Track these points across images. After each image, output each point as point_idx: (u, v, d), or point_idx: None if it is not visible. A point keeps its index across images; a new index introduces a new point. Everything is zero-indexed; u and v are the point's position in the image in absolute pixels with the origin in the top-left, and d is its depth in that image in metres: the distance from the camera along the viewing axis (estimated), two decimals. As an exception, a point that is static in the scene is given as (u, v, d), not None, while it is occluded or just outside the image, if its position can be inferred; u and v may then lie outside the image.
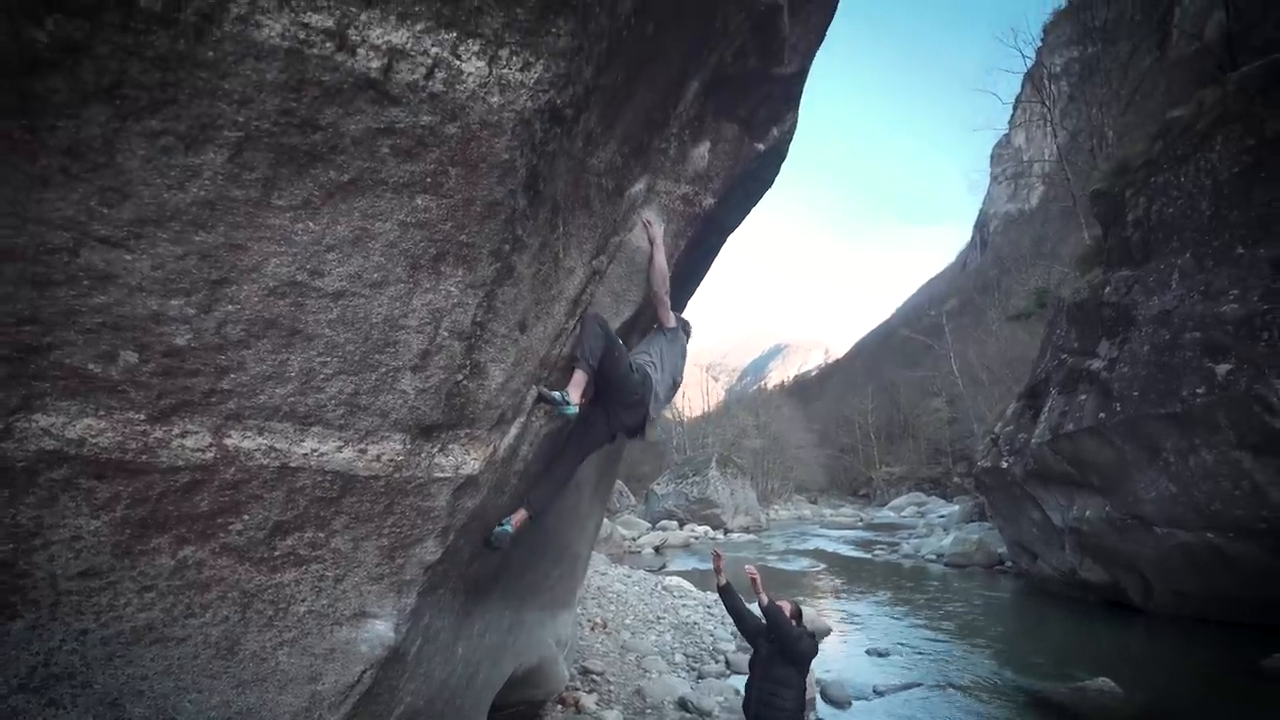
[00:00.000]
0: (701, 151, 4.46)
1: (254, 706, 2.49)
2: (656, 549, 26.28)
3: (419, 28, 2.29)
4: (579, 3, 2.44)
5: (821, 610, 13.53)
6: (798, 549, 26.49)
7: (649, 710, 7.26)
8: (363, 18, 2.23)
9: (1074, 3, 31.27)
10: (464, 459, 2.66)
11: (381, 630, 2.60)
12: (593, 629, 9.51)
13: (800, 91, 5.15)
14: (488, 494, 2.96)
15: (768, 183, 5.79)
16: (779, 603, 5.15)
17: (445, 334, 2.52)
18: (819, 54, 5.14)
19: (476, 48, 2.36)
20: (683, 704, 7.41)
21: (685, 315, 4.85)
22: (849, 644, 11.22)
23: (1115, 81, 27.40)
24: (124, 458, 2.25)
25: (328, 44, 2.20)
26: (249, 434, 2.37)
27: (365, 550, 2.57)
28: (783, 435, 58.87)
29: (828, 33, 5.20)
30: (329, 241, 2.33)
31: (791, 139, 5.46)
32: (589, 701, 7.02)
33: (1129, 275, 14.83)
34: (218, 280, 2.25)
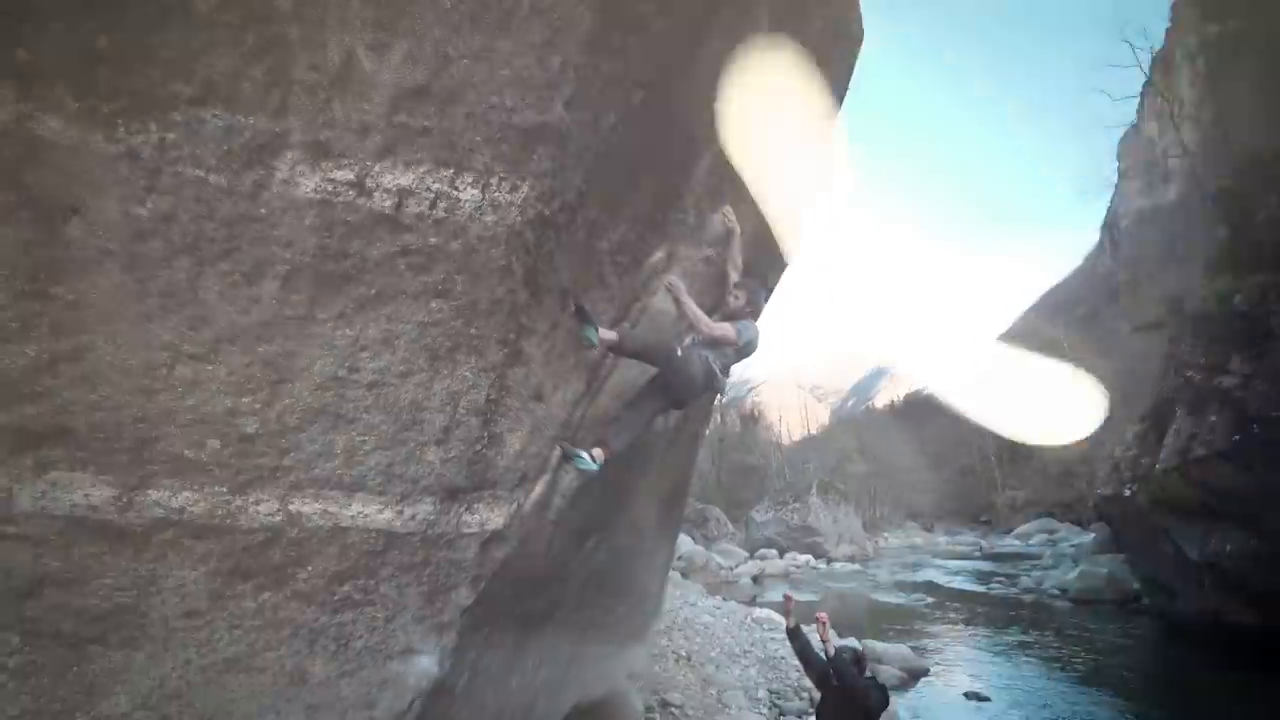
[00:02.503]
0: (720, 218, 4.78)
1: (321, 725, 3.03)
2: (754, 579, 25.81)
3: (422, 170, 2.83)
4: (554, 133, 2.91)
5: (922, 647, 13.01)
6: (905, 580, 25.31)
7: (724, 746, 7.42)
8: (376, 168, 2.79)
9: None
10: (489, 516, 3.14)
11: (426, 665, 3.09)
12: (677, 662, 9.70)
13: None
14: (519, 544, 3.40)
15: (803, 228, 6.00)
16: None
17: (463, 412, 3.02)
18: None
19: (470, 179, 2.88)
20: (761, 741, 7.52)
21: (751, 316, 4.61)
22: (946, 686, 10.76)
23: (1252, 63, 25.04)
24: (213, 522, 2.87)
25: (350, 191, 2.78)
26: (307, 500, 2.94)
27: (409, 595, 3.08)
28: (890, 458, 56.15)
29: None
30: (362, 343, 2.89)
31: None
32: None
33: (1263, 281, 13.56)
34: (277, 380, 2.85)
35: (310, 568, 2.97)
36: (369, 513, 3.00)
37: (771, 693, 9.01)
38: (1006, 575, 25.25)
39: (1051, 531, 37.82)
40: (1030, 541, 37.50)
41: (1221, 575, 13.10)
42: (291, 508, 2.93)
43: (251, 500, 2.90)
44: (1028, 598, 20.65)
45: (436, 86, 2.77)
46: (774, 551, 31.64)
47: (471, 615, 3.35)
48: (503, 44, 2.82)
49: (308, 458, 2.92)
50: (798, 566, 29.27)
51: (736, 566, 27.53)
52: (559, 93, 2.91)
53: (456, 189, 2.86)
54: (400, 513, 3.01)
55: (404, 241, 2.85)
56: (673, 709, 7.84)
